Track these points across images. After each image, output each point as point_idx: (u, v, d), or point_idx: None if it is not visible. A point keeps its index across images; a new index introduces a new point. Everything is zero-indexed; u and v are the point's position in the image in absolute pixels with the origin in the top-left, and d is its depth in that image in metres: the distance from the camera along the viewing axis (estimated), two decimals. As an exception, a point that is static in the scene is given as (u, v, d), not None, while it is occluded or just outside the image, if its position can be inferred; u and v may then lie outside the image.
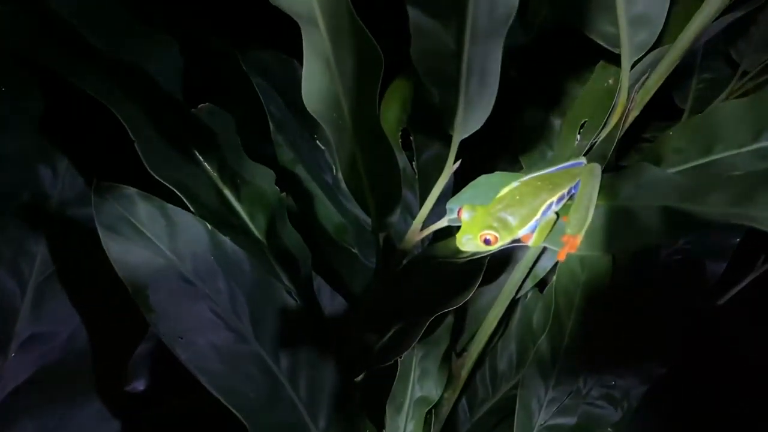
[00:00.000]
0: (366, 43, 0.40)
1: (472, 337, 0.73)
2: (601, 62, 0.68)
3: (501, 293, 0.71)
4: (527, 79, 0.72)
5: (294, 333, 0.51)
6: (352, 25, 0.39)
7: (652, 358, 0.73)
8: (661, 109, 0.79)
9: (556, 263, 0.74)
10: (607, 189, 0.41)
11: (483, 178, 0.46)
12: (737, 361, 0.83)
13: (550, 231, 0.41)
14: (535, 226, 0.41)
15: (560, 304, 0.71)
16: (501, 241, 0.40)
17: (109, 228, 0.46)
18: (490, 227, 0.39)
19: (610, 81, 0.68)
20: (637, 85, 0.60)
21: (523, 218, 0.40)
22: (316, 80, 0.44)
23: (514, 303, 0.73)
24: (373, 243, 0.66)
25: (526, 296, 0.75)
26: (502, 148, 0.74)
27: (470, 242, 0.40)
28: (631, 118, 0.61)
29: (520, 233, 0.40)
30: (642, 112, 0.60)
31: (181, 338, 0.45)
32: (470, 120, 0.41)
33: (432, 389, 0.66)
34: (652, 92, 0.61)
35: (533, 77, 0.72)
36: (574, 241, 0.39)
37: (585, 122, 0.67)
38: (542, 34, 0.70)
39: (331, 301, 0.65)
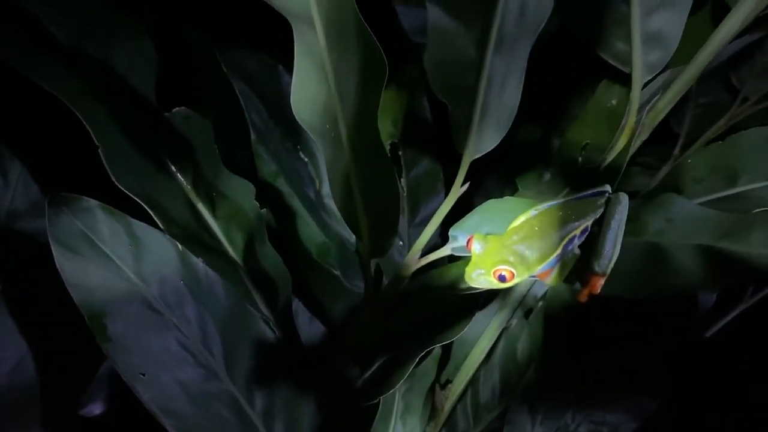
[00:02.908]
0: (370, 47, 0.35)
1: (457, 367, 0.69)
2: (605, 80, 0.65)
3: (491, 323, 0.68)
4: (523, 92, 0.69)
5: (271, 369, 0.46)
6: (355, 25, 0.35)
7: (642, 392, 0.71)
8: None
9: (546, 291, 0.71)
10: (631, 221, 0.37)
11: (491, 203, 0.41)
12: (729, 396, 0.80)
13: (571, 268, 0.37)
14: (556, 262, 0.36)
15: (549, 334, 0.67)
16: (517, 278, 0.35)
17: (65, 245, 0.40)
18: (506, 262, 0.34)
19: (614, 101, 0.65)
20: (647, 107, 0.57)
21: (544, 253, 0.35)
22: (309, 87, 0.39)
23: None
24: (359, 266, 0.61)
25: (511, 323, 0.72)
26: (495, 167, 0.70)
27: (482, 278, 0.35)
28: (638, 142, 0.58)
29: (539, 270, 0.35)
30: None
31: (143, 375, 0.39)
32: (484, 138, 0.36)
33: (416, 426, 0.62)
34: (662, 115, 0.58)
35: (529, 91, 0.69)
36: (599, 280, 0.35)
37: (587, 144, 0.64)
38: (541, 46, 0.67)
39: (308, 327, 0.60)
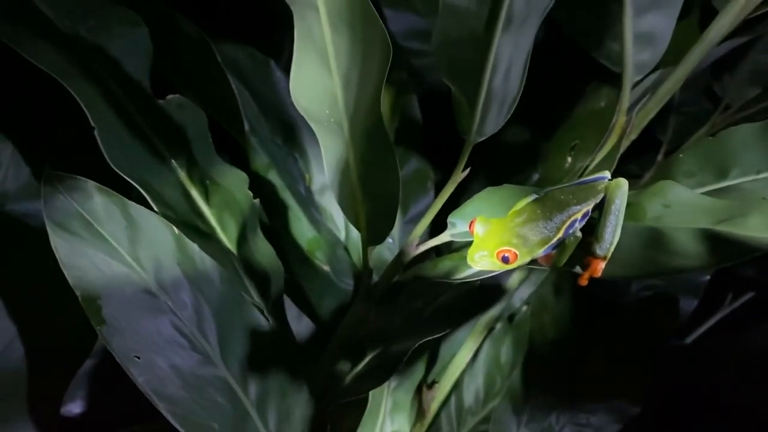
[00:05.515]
0: (375, 28, 0.35)
1: (443, 367, 0.69)
2: (594, 83, 0.66)
3: (478, 321, 0.68)
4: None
5: (265, 357, 0.45)
6: (360, 6, 0.35)
7: (624, 395, 0.71)
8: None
9: (531, 292, 0.72)
10: (629, 207, 0.37)
11: (489, 191, 0.41)
12: (711, 401, 0.81)
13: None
14: (558, 245, 0.36)
15: (534, 337, 0.69)
16: (520, 260, 0.35)
17: (60, 225, 0.39)
18: (509, 243, 0.35)
19: (602, 103, 0.66)
20: (636, 108, 0.58)
21: (546, 235, 0.35)
22: (309, 72, 0.39)
23: (483, 333, 0.70)
24: (348, 263, 0.61)
25: (495, 327, 0.72)
26: (482, 170, 0.71)
27: (485, 259, 0.35)
28: (627, 142, 0.59)
29: (541, 252, 0.36)
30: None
31: (138, 357, 0.39)
32: (488, 121, 0.36)
33: (404, 424, 0.62)
34: (651, 115, 0.59)
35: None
36: (600, 264, 0.35)
37: (575, 144, 0.65)
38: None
39: (297, 323, 0.60)
